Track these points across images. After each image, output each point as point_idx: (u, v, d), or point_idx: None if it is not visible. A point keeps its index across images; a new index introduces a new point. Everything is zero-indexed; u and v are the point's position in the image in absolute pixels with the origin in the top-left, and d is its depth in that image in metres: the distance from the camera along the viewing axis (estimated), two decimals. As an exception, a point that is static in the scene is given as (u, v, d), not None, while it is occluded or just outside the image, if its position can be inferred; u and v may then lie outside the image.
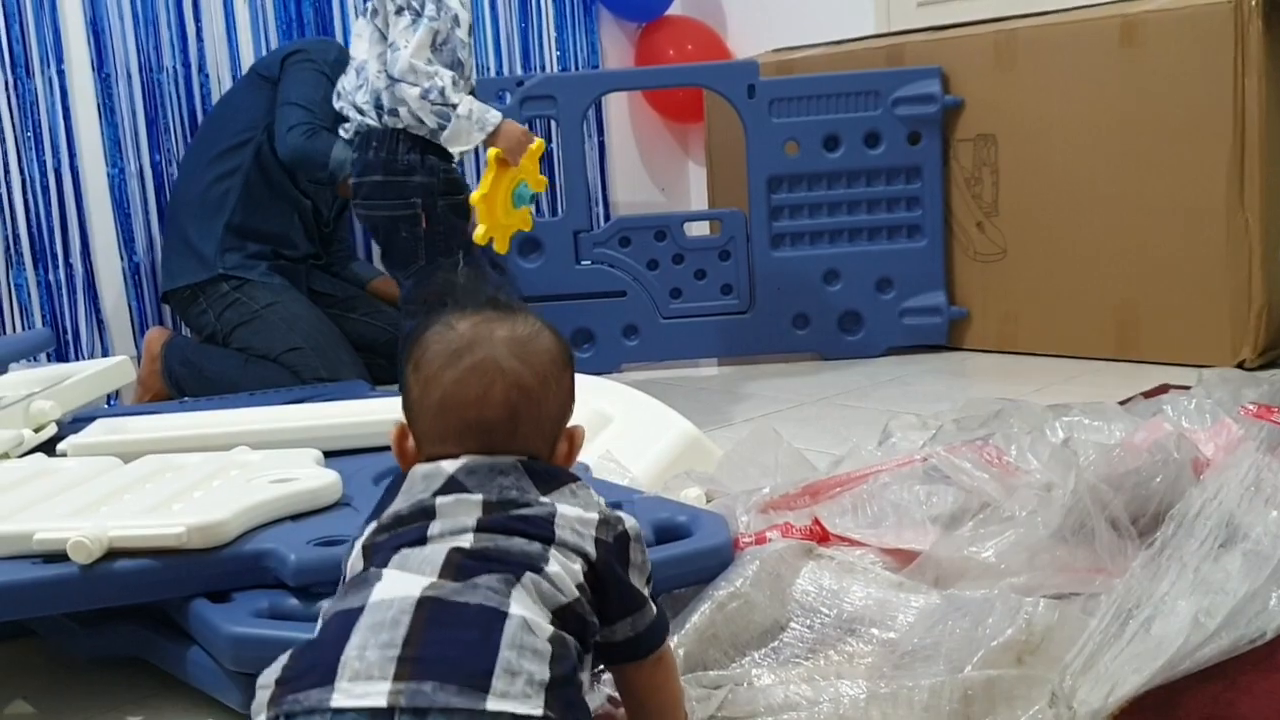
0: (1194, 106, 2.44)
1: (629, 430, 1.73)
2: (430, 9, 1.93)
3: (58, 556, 1.17)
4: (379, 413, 1.74)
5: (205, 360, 2.64)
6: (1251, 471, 1.32)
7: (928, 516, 1.34)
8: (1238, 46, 2.37)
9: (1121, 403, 1.77)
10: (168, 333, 2.76)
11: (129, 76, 2.83)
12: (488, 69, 3.44)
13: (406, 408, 0.97)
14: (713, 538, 1.24)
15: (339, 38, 3.10)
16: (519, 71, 3.47)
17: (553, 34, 3.58)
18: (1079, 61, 2.60)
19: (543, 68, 3.54)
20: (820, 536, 1.32)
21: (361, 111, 1.99)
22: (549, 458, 0.97)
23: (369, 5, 2.01)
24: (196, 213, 2.71)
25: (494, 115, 1.95)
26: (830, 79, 2.84)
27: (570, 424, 0.99)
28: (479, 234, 1.97)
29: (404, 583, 0.83)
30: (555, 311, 2.84)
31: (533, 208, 2.11)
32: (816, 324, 2.88)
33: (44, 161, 2.71)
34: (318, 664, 0.78)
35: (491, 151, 1.97)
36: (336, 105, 2.08)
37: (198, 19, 2.93)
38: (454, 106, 1.91)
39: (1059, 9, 2.74)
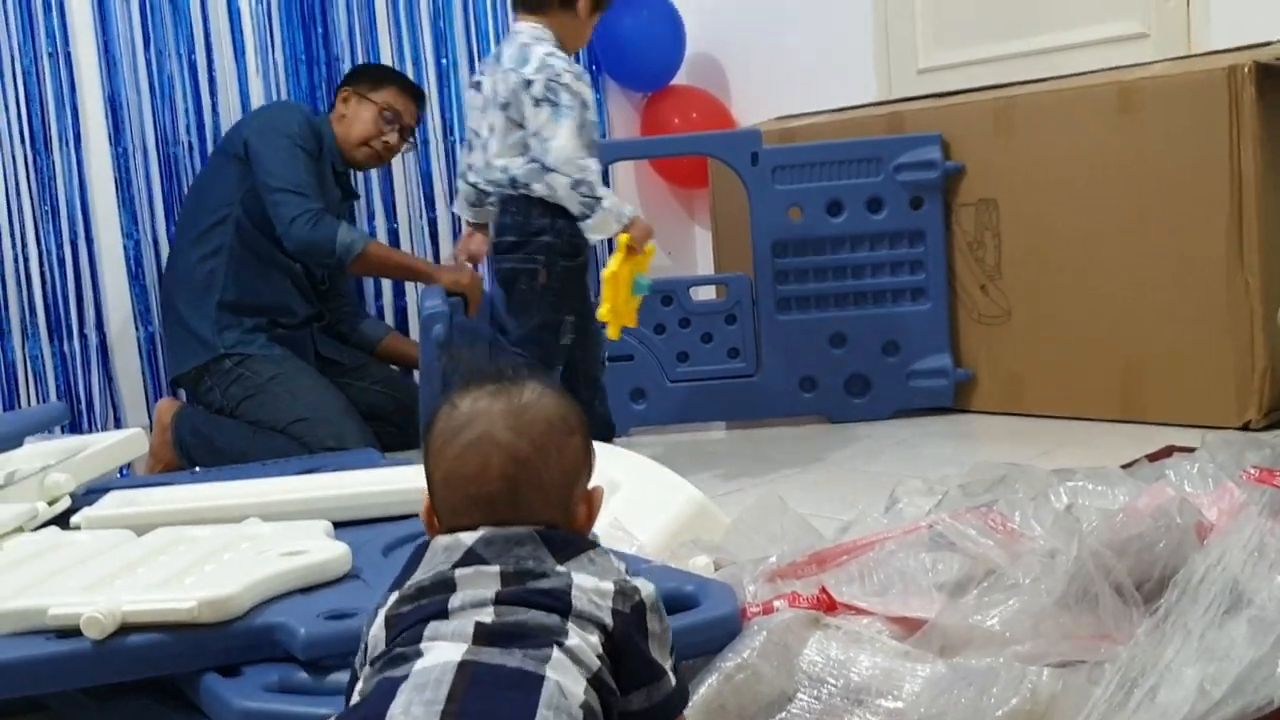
0: (1191, 171, 2.48)
1: (637, 497, 1.74)
2: (566, 98, 2.16)
3: (71, 631, 1.19)
4: (388, 483, 1.76)
5: (215, 431, 2.66)
6: (1255, 536, 1.32)
7: (934, 584, 1.34)
8: (1232, 112, 2.40)
9: (1126, 466, 1.77)
10: (178, 404, 2.78)
11: (145, 150, 2.89)
12: (496, 138, 3.49)
13: (428, 483, 1.01)
14: (720, 608, 1.25)
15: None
16: (527, 140, 3.52)
17: (560, 104, 3.64)
18: (1077, 128, 2.64)
19: (550, 136, 3.59)
20: (827, 605, 1.33)
21: (498, 185, 2.22)
22: (566, 522, 0.98)
23: (493, 92, 2.23)
24: (188, 296, 2.73)
25: (629, 210, 2.22)
26: (832, 146, 2.89)
27: (590, 485, 1.01)
28: (602, 310, 2.18)
29: (444, 651, 0.85)
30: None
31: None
32: (823, 387, 2.90)
33: (61, 234, 2.76)
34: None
35: (623, 237, 2.19)
36: (469, 180, 2.28)
37: (213, 93, 2.99)
38: (599, 199, 2.15)
39: (1057, 76, 2.79)
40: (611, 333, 2.23)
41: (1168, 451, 1.98)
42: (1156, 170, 2.53)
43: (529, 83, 2.17)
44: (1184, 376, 2.53)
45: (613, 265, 2.18)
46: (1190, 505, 1.41)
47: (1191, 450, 1.77)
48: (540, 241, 2.21)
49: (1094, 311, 2.65)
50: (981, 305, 2.85)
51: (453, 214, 3.41)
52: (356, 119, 2.86)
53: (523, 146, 2.20)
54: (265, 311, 2.77)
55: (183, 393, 2.87)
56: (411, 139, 2.98)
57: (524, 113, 2.18)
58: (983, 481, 1.71)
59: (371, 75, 2.92)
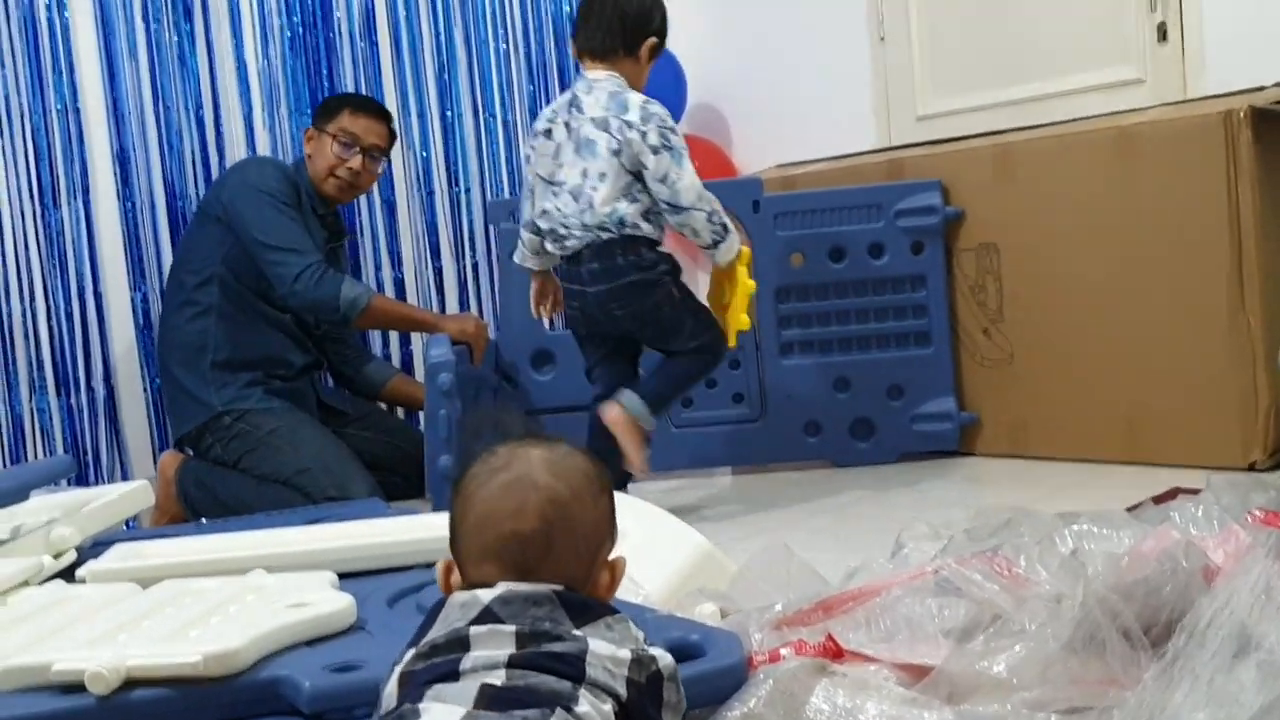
0: (1190, 214, 2.49)
1: (642, 546, 1.74)
2: (677, 141, 2.28)
3: (76, 687, 1.18)
4: (392, 533, 1.76)
5: (219, 483, 2.66)
6: (1262, 579, 1.32)
7: (940, 630, 1.34)
8: (1229, 156, 2.42)
9: (1131, 508, 1.77)
10: (181, 456, 2.79)
11: (153, 204, 2.92)
12: (502, 189, 3.53)
13: (452, 535, 1.01)
14: (726, 657, 1.24)
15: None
16: (530, 190, 3.55)
17: (562, 153, 3.67)
18: (1076, 172, 2.66)
19: (553, 186, 3.62)
20: (834, 653, 1.33)
21: (601, 228, 2.26)
22: (587, 586, 0.98)
23: (578, 138, 2.29)
24: (181, 357, 2.73)
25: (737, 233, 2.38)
26: (833, 193, 2.91)
27: (612, 556, 1.02)
28: (744, 321, 2.36)
29: (441, 714, 0.85)
30: (567, 423, 2.86)
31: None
32: (828, 431, 2.90)
33: (69, 288, 2.78)
34: None
35: (745, 253, 2.37)
36: (544, 224, 2.31)
37: (220, 147, 3.03)
38: (726, 227, 2.31)
39: (1054, 122, 2.82)
40: (731, 340, 2.41)
41: (1173, 494, 1.98)
42: (1155, 213, 2.54)
43: (644, 132, 2.25)
44: (1188, 418, 2.53)
45: (745, 281, 2.35)
46: (1196, 548, 1.41)
47: (1196, 492, 1.77)
48: (661, 270, 2.33)
49: (1097, 353, 2.66)
50: (984, 349, 2.86)
51: (460, 263, 3.43)
52: (318, 153, 2.84)
53: (630, 190, 2.26)
54: (259, 365, 2.77)
55: (187, 447, 2.87)
56: (381, 158, 2.91)
57: (642, 160, 2.25)
58: (988, 526, 1.71)
59: (325, 107, 2.89)
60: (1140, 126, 2.58)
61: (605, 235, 2.27)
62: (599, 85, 2.31)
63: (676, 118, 3.68)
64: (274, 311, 2.79)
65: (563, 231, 2.31)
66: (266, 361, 2.78)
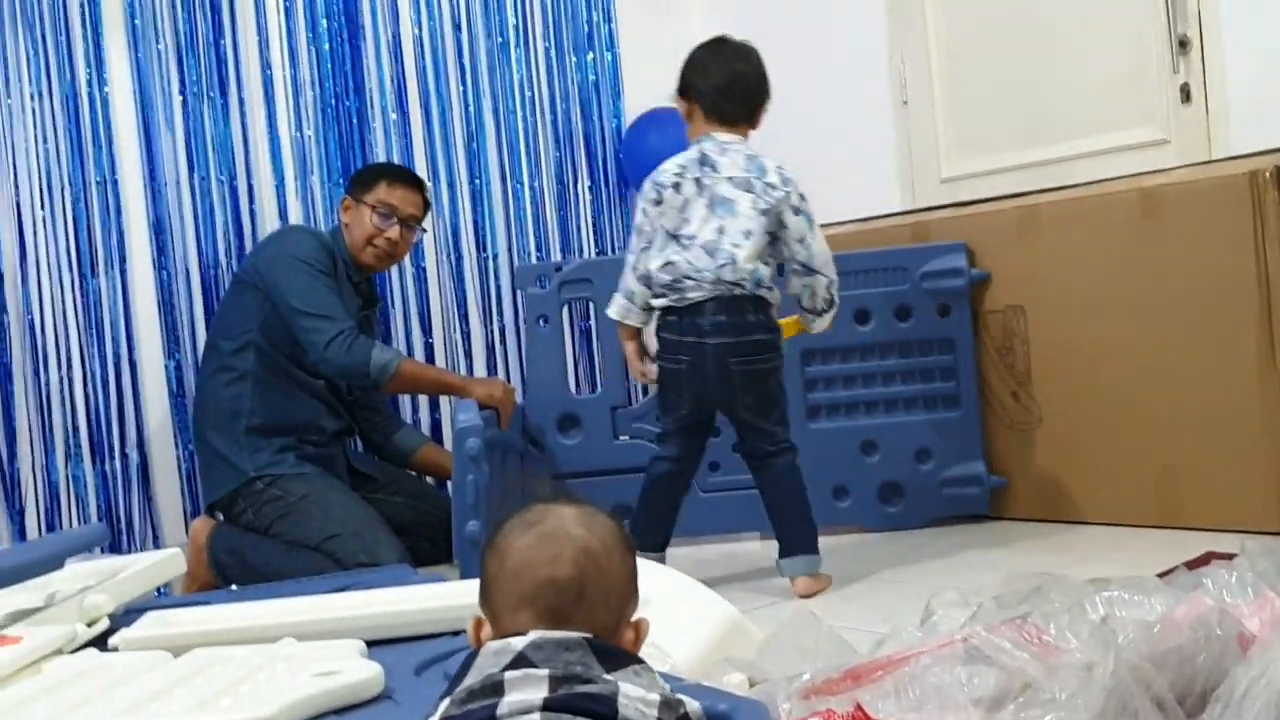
0: (1218, 274, 2.49)
1: (670, 614, 1.73)
2: (809, 207, 2.39)
3: (108, 757, 1.19)
4: (420, 600, 1.76)
5: (249, 549, 2.68)
6: (1297, 647, 1.30)
7: (970, 699, 1.33)
8: (1256, 216, 2.42)
9: (1163, 574, 1.75)
10: (212, 523, 2.81)
11: (187, 273, 2.97)
12: (529, 254, 3.57)
13: (483, 589, 1.04)
14: (754, 726, 1.24)
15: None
16: (558, 256, 3.60)
17: (590, 220, 3.72)
18: (1101, 233, 2.66)
19: (580, 252, 3.67)
20: (862, 722, 1.32)
21: (738, 284, 2.30)
22: (614, 640, 1.01)
23: (711, 195, 2.35)
24: (215, 423, 2.76)
25: None
26: (858, 256, 2.93)
27: (635, 618, 1.05)
28: None
29: None
30: (594, 487, 2.87)
31: None
32: (856, 495, 2.89)
33: (105, 356, 2.83)
34: None
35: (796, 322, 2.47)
36: (667, 275, 2.32)
37: (254, 216, 3.08)
38: (834, 299, 2.43)
39: (1079, 183, 2.83)
40: None
41: (1206, 559, 1.96)
42: (1182, 274, 2.54)
43: (787, 194, 2.36)
44: (1221, 480, 2.51)
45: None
46: (1230, 616, 1.39)
47: (1230, 557, 1.75)
48: (777, 335, 2.39)
49: (1127, 416, 2.64)
50: (1013, 411, 2.85)
51: (488, 327, 3.47)
52: (356, 223, 2.88)
53: (766, 252, 2.36)
54: (293, 431, 2.79)
55: (219, 513, 2.89)
56: (417, 227, 2.96)
57: (784, 220, 2.36)
58: (1017, 592, 1.69)
59: (362, 178, 2.94)
60: (1165, 187, 2.59)
61: (738, 291, 2.31)
62: (731, 148, 2.40)
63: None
64: (308, 377, 2.82)
65: (689, 284, 2.32)
66: (300, 427, 2.81)
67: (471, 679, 0.95)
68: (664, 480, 2.41)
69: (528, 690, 0.91)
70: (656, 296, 2.37)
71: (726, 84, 2.42)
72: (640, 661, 0.99)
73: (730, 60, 2.43)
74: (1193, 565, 1.82)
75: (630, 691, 0.93)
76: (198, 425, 2.82)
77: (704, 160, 2.39)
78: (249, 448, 2.72)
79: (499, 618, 1.01)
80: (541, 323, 2.91)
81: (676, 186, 2.38)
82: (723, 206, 2.34)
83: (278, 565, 2.59)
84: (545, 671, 0.93)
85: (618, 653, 0.98)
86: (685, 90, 2.46)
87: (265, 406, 2.76)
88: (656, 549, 2.39)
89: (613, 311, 2.48)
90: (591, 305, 2.98)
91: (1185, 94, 2.98)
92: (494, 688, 0.93)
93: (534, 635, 0.96)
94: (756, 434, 2.38)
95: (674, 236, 2.36)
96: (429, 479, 3.19)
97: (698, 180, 2.37)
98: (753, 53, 2.47)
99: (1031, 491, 2.83)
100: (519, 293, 3.36)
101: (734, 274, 2.31)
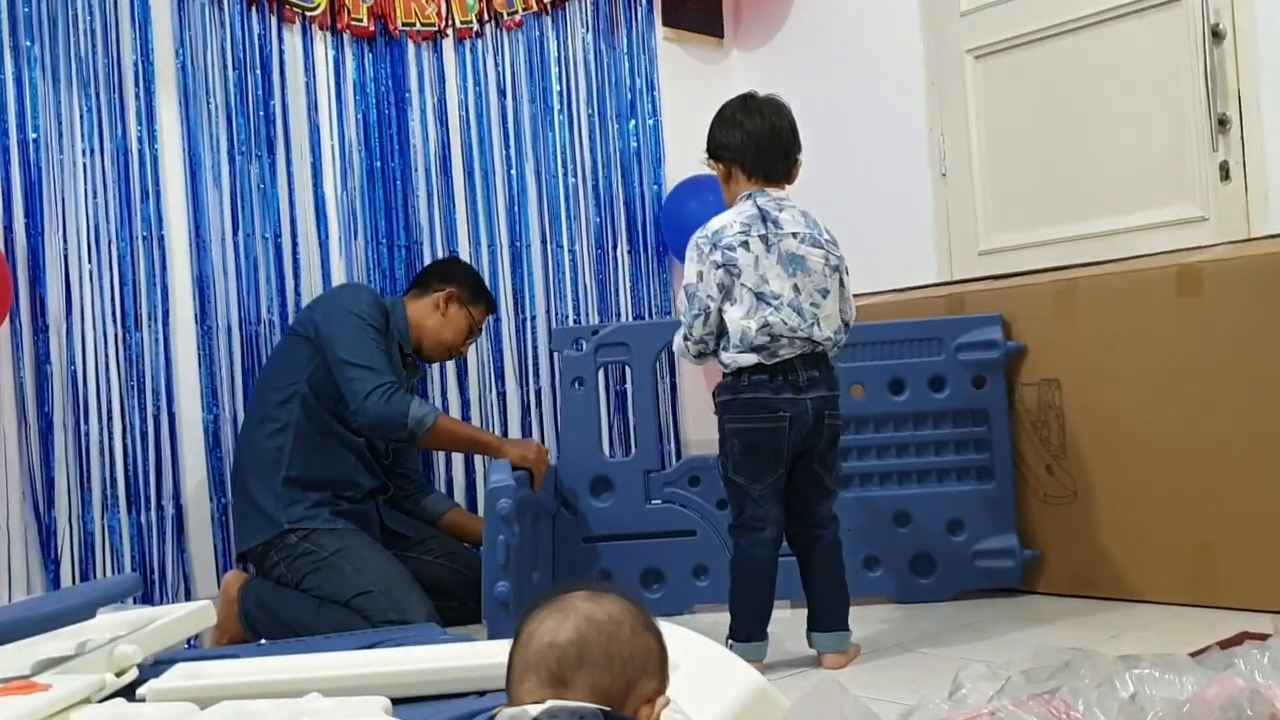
0: (1255, 351, 2.48)
1: (694, 678, 1.73)
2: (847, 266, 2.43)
3: (131, 806, 1.20)
4: (447, 659, 1.77)
5: (280, 604, 2.69)
6: (1331, 732, 1.28)
7: (996, 775, 1.31)
8: (1293, 294, 2.41)
9: (1196, 653, 1.73)
10: (244, 576, 2.82)
11: (229, 329, 3.01)
12: (566, 317, 3.61)
13: (507, 676, 1.08)
14: (774, 796, 1.23)
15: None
16: (595, 319, 3.63)
17: (628, 284, 3.76)
18: (1138, 309, 2.66)
19: (618, 315, 3.70)
20: (885, 795, 1.30)
21: (814, 340, 2.32)
22: (625, 710, 1.02)
23: (780, 253, 2.33)
24: (255, 472, 2.78)
25: None
26: (893, 326, 2.93)
27: (659, 698, 1.07)
28: None
29: None
30: (625, 551, 2.88)
31: None
32: (888, 565, 2.87)
33: (145, 408, 2.86)
34: None
35: None
36: (762, 338, 2.29)
37: (296, 274, 3.13)
38: None
39: (1116, 258, 2.83)
40: None
41: (1240, 638, 1.93)
42: (1219, 351, 2.53)
43: (841, 253, 2.42)
44: (1256, 560, 2.47)
45: None
46: (1262, 697, 1.37)
47: (1265, 638, 1.72)
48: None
49: (1162, 492, 2.62)
50: (1047, 485, 2.83)
51: (524, 388, 3.50)
52: (450, 323, 2.97)
53: (839, 309, 2.40)
54: (330, 485, 2.82)
55: (250, 565, 2.91)
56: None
57: (844, 278, 2.42)
58: (1047, 667, 1.67)
59: (475, 289, 3.01)
60: (1203, 264, 2.58)
61: (819, 349, 2.33)
62: (787, 204, 2.39)
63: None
64: (349, 435, 2.84)
65: (783, 342, 2.30)
66: (336, 482, 2.83)
67: None
68: (768, 549, 2.31)
69: None
70: (742, 353, 2.30)
71: (768, 140, 2.39)
72: None
73: (766, 116, 2.40)
74: (1226, 645, 1.79)
75: None
76: (237, 473, 2.86)
77: (765, 217, 2.34)
78: (285, 499, 2.74)
79: (511, 692, 1.04)
80: (577, 385, 2.93)
81: (745, 245, 2.32)
82: (795, 264, 2.32)
83: (308, 620, 2.60)
84: None
85: None
86: (719, 152, 2.42)
87: (304, 459, 2.78)
88: (764, 635, 2.33)
89: (687, 351, 2.39)
90: (628, 368, 2.99)
91: (1224, 172, 2.98)
92: None
93: (550, 704, 0.97)
94: (820, 496, 2.35)
95: (759, 296, 2.30)
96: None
97: (764, 237, 2.32)
98: (783, 106, 2.43)
99: (1064, 566, 2.79)
100: (555, 355, 3.39)
101: (822, 334, 2.31)
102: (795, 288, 2.31)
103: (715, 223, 2.37)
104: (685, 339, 2.38)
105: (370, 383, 2.71)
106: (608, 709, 0.98)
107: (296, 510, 2.75)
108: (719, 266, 2.31)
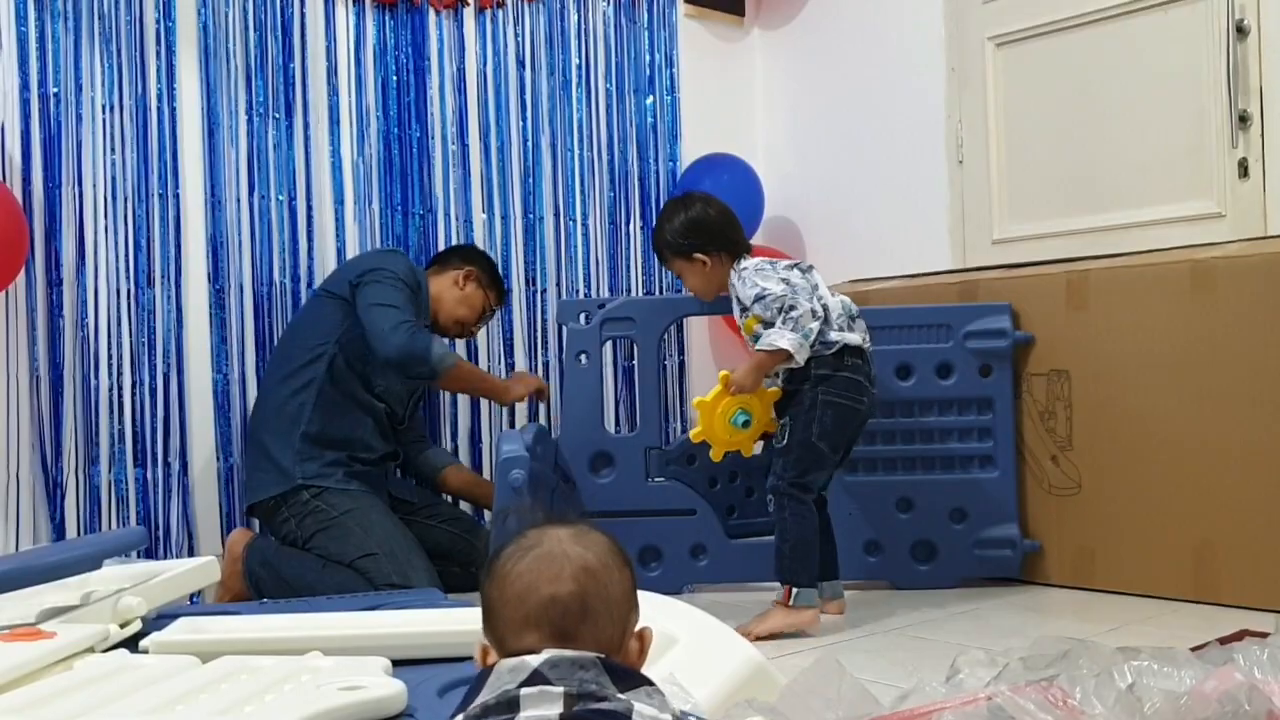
0: (1266, 349, 2.47)
1: (694, 653, 1.74)
2: None
3: (131, 755, 1.21)
4: (448, 624, 1.78)
5: (284, 563, 2.71)
6: (1326, 729, 1.29)
7: (990, 758, 1.32)
8: (1308, 294, 2.40)
9: (1196, 648, 1.73)
10: (250, 534, 2.84)
11: (240, 290, 3.02)
12: (577, 290, 3.61)
13: (486, 616, 1.05)
14: (770, 770, 1.24)
15: (440, 243, 3.31)
16: (605, 294, 3.63)
17: (639, 260, 3.75)
18: (1150, 303, 2.65)
19: (629, 291, 3.70)
20: (880, 774, 1.31)
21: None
22: (620, 653, 1.03)
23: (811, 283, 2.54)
24: (274, 427, 2.81)
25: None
26: (902, 311, 2.93)
27: (640, 626, 1.06)
28: (694, 432, 2.56)
29: None
30: (625, 528, 2.87)
31: (759, 444, 2.66)
32: (889, 552, 2.87)
33: (155, 366, 2.88)
34: None
35: (722, 374, 2.53)
36: (810, 326, 2.45)
37: (310, 237, 3.13)
38: None
39: (1129, 252, 2.82)
40: (714, 454, 2.59)
41: (1240, 635, 1.93)
42: (1229, 348, 2.52)
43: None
44: (1259, 558, 2.47)
45: (708, 396, 2.54)
46: (1260, 693, 1.38)
47: (1265, 635, 1.73)
48: None
49: (1167, 487, 2.62)
50: (1052, 476, 2.83)
51: (533, 360, 3.51)
52: (467, 300, 3.04)
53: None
54: (346, 446, 2.84)
55: (255, 523, 2.92)
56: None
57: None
58: (1045, 656, 1.68)
59: (493, 271, 3.12)
60: (1216, 260, 2.57)
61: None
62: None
63: (752, 229, 3.79)
64: (371, 399, 2.88)
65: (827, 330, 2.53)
66: (352, 443, 2.85)
67: (486, 695, 0.96)
68: (823, 509, 2.56)
69: (543, 706, 0.93)
70: (845, 332, 2.51)
71: (730, 222, 2.64)
72: (651, 684, 1.00)
73: (714, 205, 2.65)
74: (1225, 641, 1.80)
75: (644, 711, 0.95)
76: (254, 427, 2.88)
77: (774, 265, 2.56)
78: (302, 454, 2.77)
79: (505, 641, 1.02)
80: (581, 359, 2.93)
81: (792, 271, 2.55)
82: (828, 292, 2.56)
83: (311, 581, 2.62)
84: (560, 689, 0.94)
85: (631, 673, 1.00)
86: (698, 248, 2.60)
87: (324, 417, 2.81)
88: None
89: (790, 346, 2.43)
90: (634, 344, 2.99)
91: (1243, 169, 2.97)
92: (510, 704, 0.94)
93: (549, 654, 0.97)
94: (834, 473, 2.62)
95: (817, 311, 2.48)
96: (467, 506, 3.22)
97: (795, 267, 2.56)
98: (710, 195, 2.71)
99: (1065, 558, 2.80)
100: (562, 327, 3.39)
101: (845, 338, 2.52)
102: (826, 306, 2.52)
103: (750, 274, 2.57)
104: (798, 330, 2.44)
105: (396, 317, 2.74)
106: (604, 656, 0.99)
107: (312, 466, 2.77)
108: (785, 280, 2.52)
